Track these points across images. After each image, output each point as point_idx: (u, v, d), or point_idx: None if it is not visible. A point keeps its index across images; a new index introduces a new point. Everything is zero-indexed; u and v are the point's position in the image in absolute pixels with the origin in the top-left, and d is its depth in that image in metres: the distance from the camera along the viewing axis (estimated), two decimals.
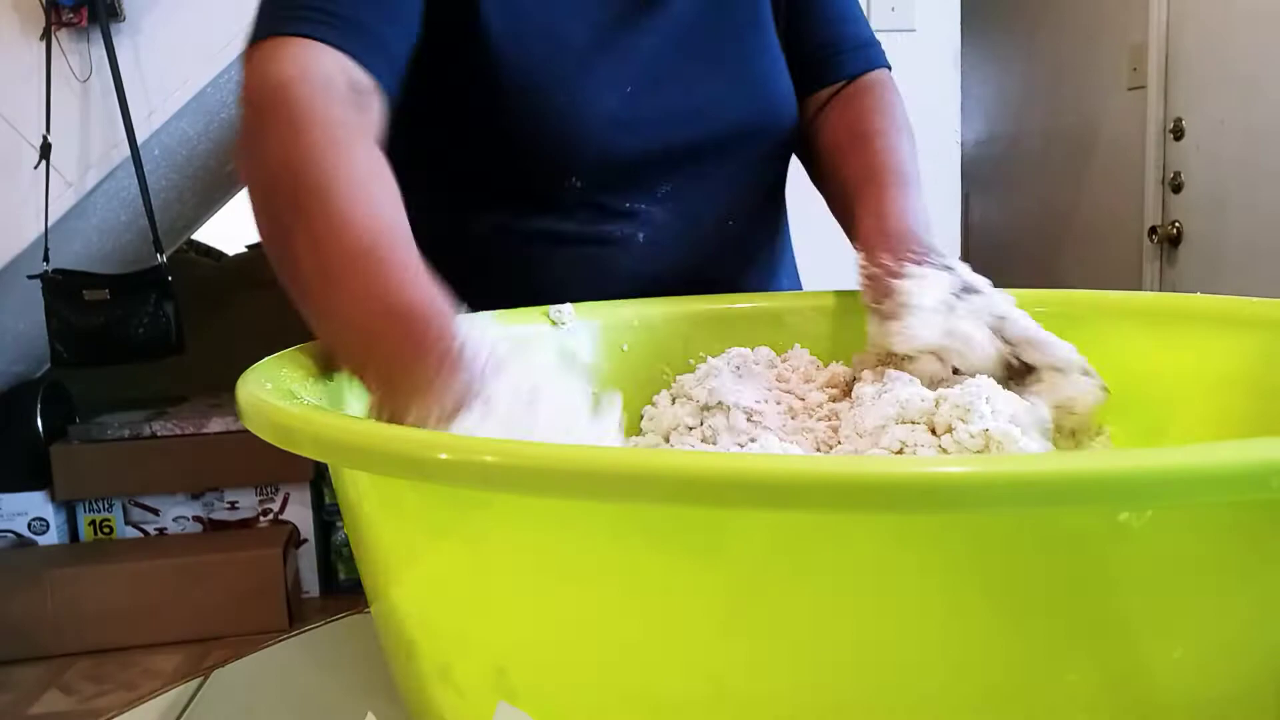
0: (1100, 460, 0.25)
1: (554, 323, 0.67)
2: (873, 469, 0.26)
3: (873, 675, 0.30)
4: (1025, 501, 0.26)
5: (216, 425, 2.59)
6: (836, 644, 0.30)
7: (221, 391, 2.76)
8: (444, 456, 0.29)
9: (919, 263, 0.58)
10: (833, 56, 0.82)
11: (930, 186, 0.92)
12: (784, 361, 0.66)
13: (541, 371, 0.44)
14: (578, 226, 0.77)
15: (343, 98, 0.57)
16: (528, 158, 0.73)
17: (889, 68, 0.83)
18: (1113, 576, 0.29)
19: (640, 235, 0.78)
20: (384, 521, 0.39)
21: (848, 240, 0.70)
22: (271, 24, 0.59)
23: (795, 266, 0.92)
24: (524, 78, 0.71)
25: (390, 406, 0.43)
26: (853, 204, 0.69)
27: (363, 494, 0.39)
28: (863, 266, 0.61)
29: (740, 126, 0.78)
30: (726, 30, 0.79)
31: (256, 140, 0.54)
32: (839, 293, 0.72)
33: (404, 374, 0.42)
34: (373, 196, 0.50)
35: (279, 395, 0.40)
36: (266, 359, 0.48)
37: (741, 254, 0.82)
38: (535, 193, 0.76)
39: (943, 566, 0.29)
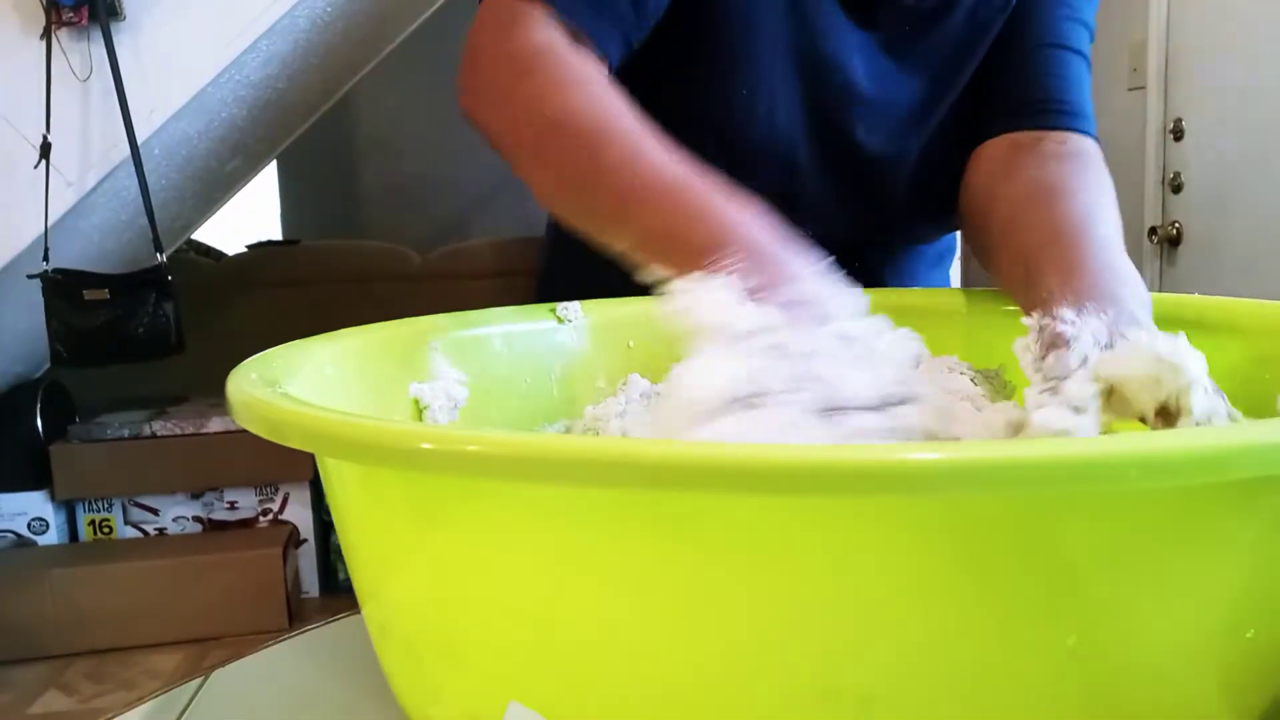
0: (1054, 447, 0.26)
1: (560, 320, 0.68)
2: (843, 455, 0.27)
3: (850, 656, 0.31)
4: (985, 485, 0.27)
5: (216, 425, 2.59)
6: (813, 626, 0.31)
7: (221, 391, 2.75)
8: (427, 446, 0.30)
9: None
10: (1019, 107, 0.72)
11: None
12: None
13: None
14: None
15: (572, 49, 0.60)
16: (675, 118, 0.73)
17: (1098, 140, 0.71)
18: (1073, 559, 0.30)
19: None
20: (372, 514, 0.39)
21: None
22: None
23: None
24: (710, 57, 0.71)
25: (764, 281, 0.46)
26: (1034, 271, 0.56)
27: (350, 488, 0.40)
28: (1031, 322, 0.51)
29: (922, 175, 0.76)
30: (957, 70, 0.75)
31: (501, 85, 0.59)
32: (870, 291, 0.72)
33: (774, 260, 0.47)
34: (645, 127, 0.55)
35: (267, 389, 0.41)
36: (256, 355, 0.49)
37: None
38: None
39: (916, 548, 0.30)
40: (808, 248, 0.49)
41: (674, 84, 0.73)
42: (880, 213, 0.78)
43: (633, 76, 0.66)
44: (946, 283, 0.92)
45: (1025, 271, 0.58)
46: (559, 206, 0.58)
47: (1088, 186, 0.64)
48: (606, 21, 0.64)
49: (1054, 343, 0.47)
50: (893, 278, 0.84)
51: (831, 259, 0.50)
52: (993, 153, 0.73)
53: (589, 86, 0.58)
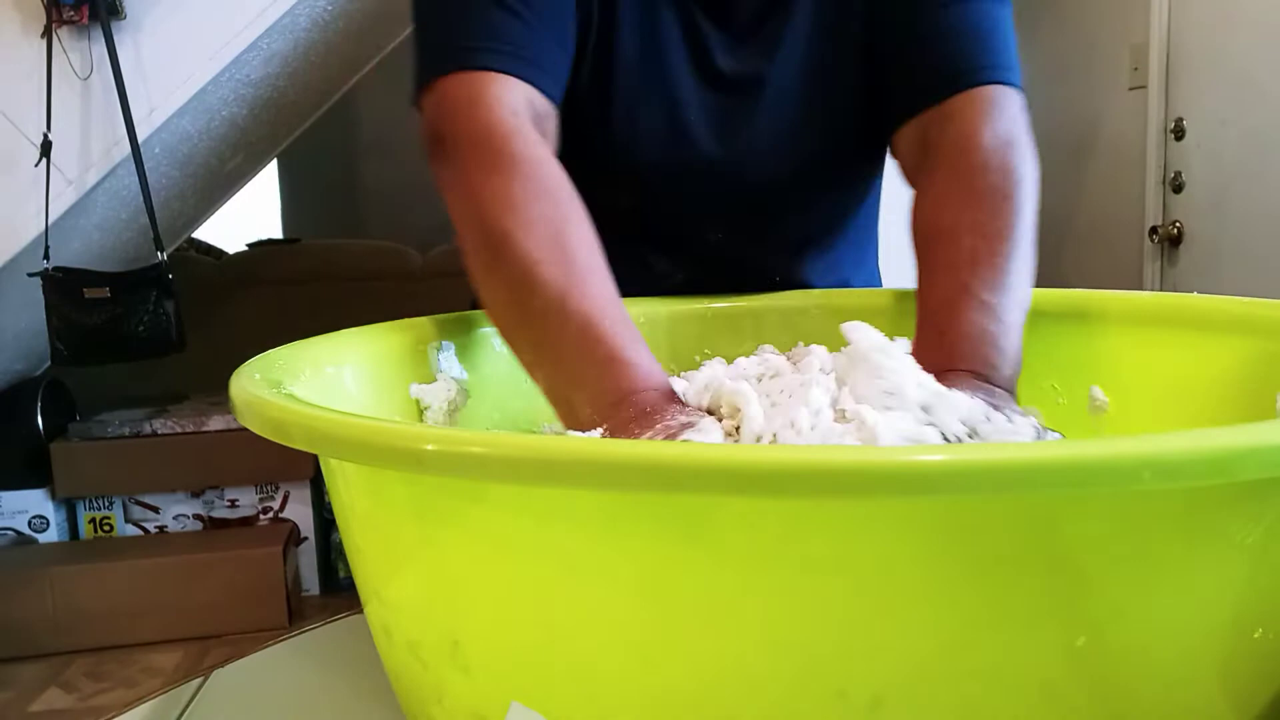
0: (1066, 449, 0.26)
1: None
2: (851, 457, 0.26)
3: (860, 658, 0.31)
4: (996, 487, 0.27)
5: (217, 423, 2.59)
6: (823, 628, 0.31)
7: (222, 390, 2.74)
8: (431, 447, 0.30)
9: None
10: (922, 75, 0.70)
11: None
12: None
13: None
14: (620, 256, 0.78)
15: (534, 136, 0.61)
16: (580, 158, 0.73)
17: (1008, 84, 0.67)
18: (1083, 561, 0.30)
19: (680, 275, 0.78)
20: (375, 515, 0.39)
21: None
22: (455, 57, 0.63)
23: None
24: (593, 84, 0.72)
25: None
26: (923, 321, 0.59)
27: (354, 489, 0.40)
28: None
29: (804, 166, 0.77)
30: (817, 70, 0.75)
31: (467, 179, 0.59)
32: (847, 291, 0.72)
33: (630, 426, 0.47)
34: (586, 270, 0.55)
35: (271, 390, 0.41)
36: (260, 355, 0.49)
37: None
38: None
39: (925, 550, 0.30)
40: (688, 409, 0.49)
41: (586, 118, 0.74)
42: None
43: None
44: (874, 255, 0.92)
45: (920, 312, 0.60)
46: (494, 322, 0.59)
47: (974, 210, 0.61)
48: (551, 72, 0.66)
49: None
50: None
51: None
52: (908, 139, 0.71)
53: (540, 202, 0.57)
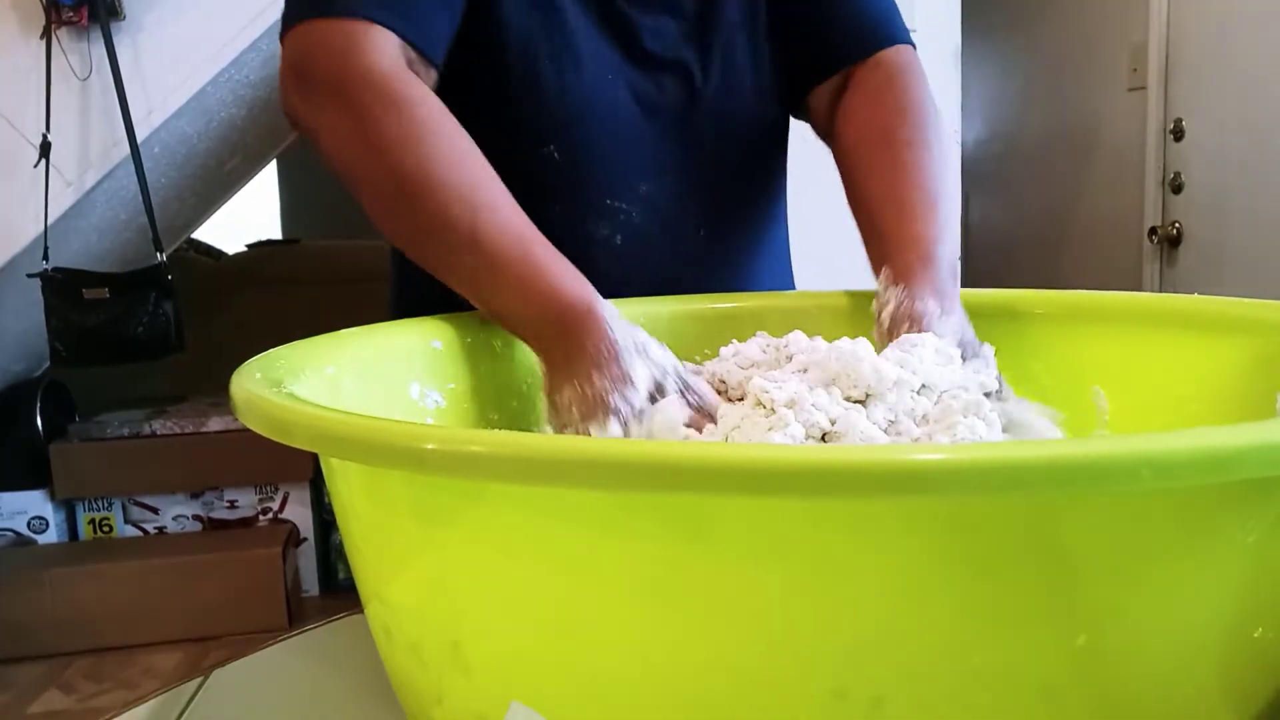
0: (1065, 448, 0.27)
1: None
2: (845, 457, 0.27)
3: (860, 658, 0.31)
4: (995, 487, 0.27)
5: (216, 424, 2.59)
6: (824, 628, 0.31)
7: (221, 391, 2.73)
8: (431, 446, 0.30)
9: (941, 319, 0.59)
10: (841, 39, 0.79)
11: None
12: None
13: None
14: (558, 221, 0.78)
15: (415, 79, 0.63)
16: (509, 116, 0.75)
17: (909, 43, 0.79)
18: (1082, 560, 0.30)
19: (618, 238, 0.79)
20: (376, 515, 0.39)
21: (865, 250, 0.69)
22: (332, 3, 0.63)
23: (788, 276, 0.92)
24: (521, 43, 0.73)
25: (563, 386, 0.53)
26: (881, 226, 0.68)
27: (355, 488, 0.40)
28: (907, 300, 0.61)
29: (718, 125, 0.79)
30: (719, 29, 0.79)
31: (364, 128, 0.60)
32: (846, 293, 0.72)
33: (570, 361, 0.53)
34: (504, 197, 0.60)
35: (272, 389, 0.41)
36: (261, 354, 0.49)
37: (718, 263, 0.82)
38: (515, 167, 0.77)
39: (924, 550, 0.30)
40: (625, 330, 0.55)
41: (491, 77, 0.75)
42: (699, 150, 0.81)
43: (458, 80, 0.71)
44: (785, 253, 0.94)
45: (872, 226, 0.69)
46: (414, 259, 0.62)
47: (913, 137, 0.72)
48: (431, 31, 0.67)
49: (913, 320, 0.58)
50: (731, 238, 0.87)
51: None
52: (822, 92, 0.80)
53: (438, 138, 0.60)
